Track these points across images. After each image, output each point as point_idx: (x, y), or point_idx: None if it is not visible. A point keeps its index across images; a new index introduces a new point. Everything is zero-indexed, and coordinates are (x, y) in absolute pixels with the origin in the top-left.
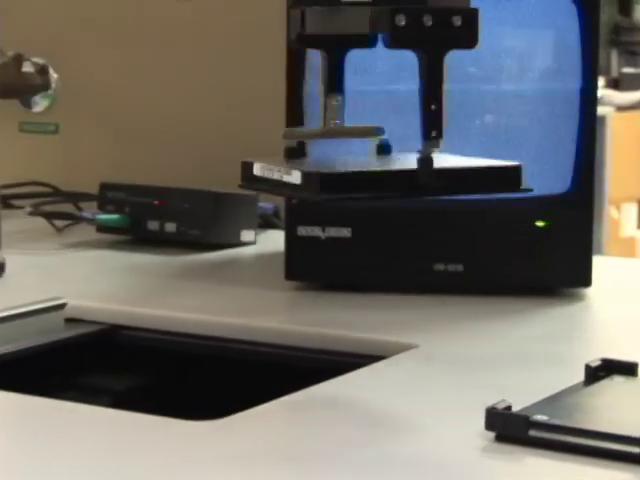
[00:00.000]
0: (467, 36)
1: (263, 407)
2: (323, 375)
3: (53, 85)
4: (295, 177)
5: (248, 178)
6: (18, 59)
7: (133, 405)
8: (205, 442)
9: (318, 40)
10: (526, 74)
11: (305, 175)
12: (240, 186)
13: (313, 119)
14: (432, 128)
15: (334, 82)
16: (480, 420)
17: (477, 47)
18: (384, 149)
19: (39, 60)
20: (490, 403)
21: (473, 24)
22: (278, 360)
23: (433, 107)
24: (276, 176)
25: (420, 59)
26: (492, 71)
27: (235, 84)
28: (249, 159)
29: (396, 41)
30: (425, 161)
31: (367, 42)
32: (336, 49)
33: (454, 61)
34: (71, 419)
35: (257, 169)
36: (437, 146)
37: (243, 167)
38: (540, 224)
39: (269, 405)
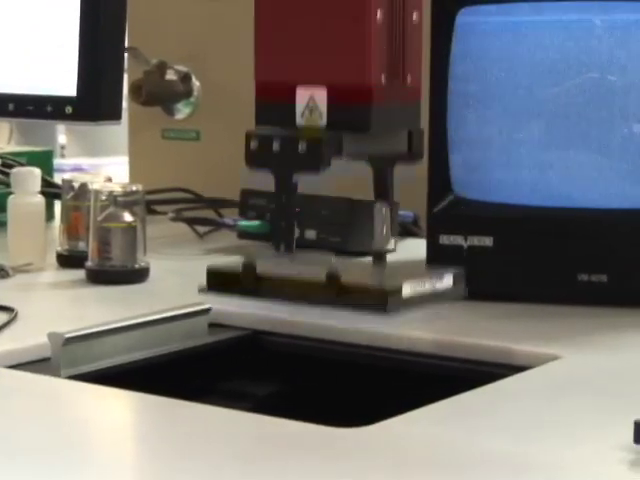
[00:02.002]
0: (311, 161)
1: (408, 415)
2: (466, 384)
3: (195, 93)
4: None
5: None
6: (162, 67)
7: (274, 410)
8: (351, 449)
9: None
10: None
11: None
12: None
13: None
14: (281, 242)
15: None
16: (628, 433)
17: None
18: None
19: (182, 68)
20: (637, 416)
21: (317, 151)
22: (418, 369)
23: (283, 224)
24: None
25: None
26: (637, 80)
27: None
28: None
29: (249, 162)
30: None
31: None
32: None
33: (600, 68)
34: (213, 423)
35: None
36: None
37: None
38: None
39: (414, 413)
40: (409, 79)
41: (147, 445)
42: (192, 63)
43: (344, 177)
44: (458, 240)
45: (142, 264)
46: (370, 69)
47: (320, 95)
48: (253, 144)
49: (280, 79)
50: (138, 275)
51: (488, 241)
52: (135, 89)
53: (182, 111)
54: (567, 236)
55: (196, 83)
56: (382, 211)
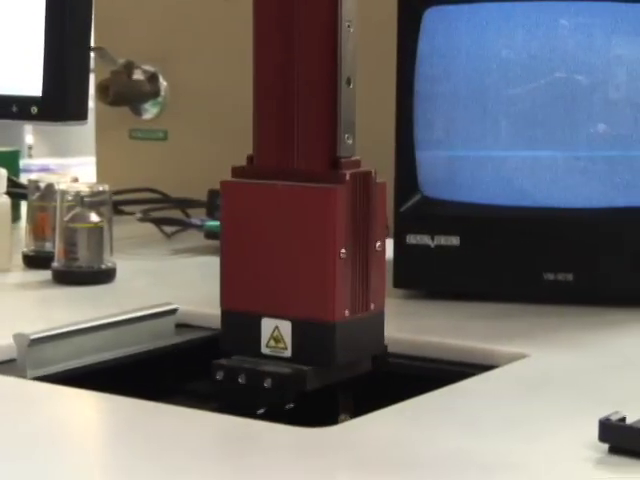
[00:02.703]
0: (277, 397)
1: (373, 415)
2: (431, 384)
3: (163, 92)
4: None
5: None
6: (129, 67)
7: (241, 411)
8: (316, 449)
9: None
10: (638, 81)
11: None
12: None
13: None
14: None
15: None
16: (593, 431)
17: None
18: None
19: (149, 68)
20: (603, 414)
21: (282, 386)
22: (386, 368)
23: None
24: None
25: None
26: (603, 80)
27: None
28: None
29: (217, 396)
30: None
31: None
32: None
33: (566, 68)
34: (180, 423)
35: None
36: None
37: None
38: None
39: (379, 413)
40: (372, 307)
41: (114, 446)
42: (159, 63)
43: None
44: (425, 239)
45: (109, 264)
46: (333, 305)
47: (285, 327)
48: (219, 375)
49: (245, 309)
50: (105, 276)
51: (455, 240)
52: (102, 89)
53: (149, 111)
54: (533, 235)
55: (163, 83)
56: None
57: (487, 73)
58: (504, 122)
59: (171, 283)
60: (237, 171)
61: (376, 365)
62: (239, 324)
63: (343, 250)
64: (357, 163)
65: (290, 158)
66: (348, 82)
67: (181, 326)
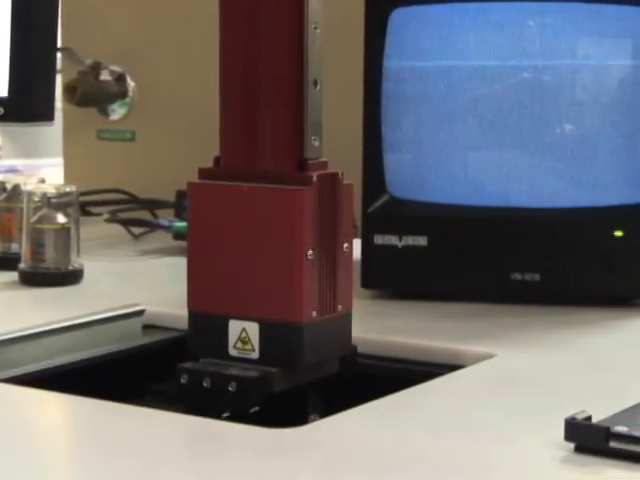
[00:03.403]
0: (241, 401)
1: (340, 415)
2: (399, 384)
3: (130, 93)
4: None
5: None
6: (96, 68)
7: (209, 412)
8: (284, 450)
9: None
10: (604, 83)
11: None
12: None
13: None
14: None
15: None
16: (559, 431)
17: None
18: None
19: (117, 68)
20: (569, 413)
21: (246, 390)
22: (354, 369)
23: None
24: None
25: None
26: (570, 80)
27: None
28: None
29: (180, 396)
30: None
31: None
32: None
33: (533, 68)
34: (147, 425)
35: None
36: None
37: None
38: (618, 234)
39: (346, 413)
40: (340, 308)
41: (81, 448)
42: (127, 63)
43: None
44: (392, 240)
45: (76, 266)
46: (301, 306)
47: (252, 329)
48: (184, 379)
49: (212, 310)
50: (72, 277)
51: (422, 240)
52: (69, 90)
53: (117, 112)
54: (501, 235)
55: (131, 83)
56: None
57: (454, 74)
58: (471, 123)
59: (138, 284)
60: (204, 172)
61: (344, 365)
62: (206, 326)
63: (310, 251)
64: (324, 165)
65: (257, 160)
66: (315, 83)
67: (148, 327)
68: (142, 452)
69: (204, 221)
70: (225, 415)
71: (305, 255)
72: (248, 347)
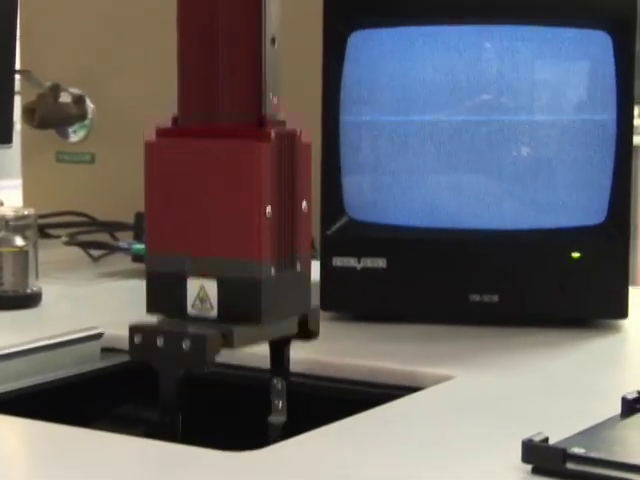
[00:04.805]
0: (195, 359)
1: (299, 438)
2: (358, 406)
3: (90, 115)
4: None
5: None
6: (55, 90)
7: (168, 434)
8: (240, 473)
9: None
10: (561, 105)
11: None
12: None
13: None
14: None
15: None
16: (517, 452)
17: (516, 78)
18: None
19: (76, 91)
20: (527, 435)
21: (201, 349)
22: (312, 391)
23: (167, 419)
24: None
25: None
26: (527, 102)
27: None
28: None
29: (133, 355)
30: None
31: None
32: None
33: (490, 91)
34: (105, 448)
35: None
36: None
37: None
38: (576, 255)
39: (306, 436)
40: (298, 267)
41: (37, 472)
42: (86, 85)
43: None
44: (351, 262)
45: (34, 289)
46: (259, 262)
47: (211, 286)
48: (137, 339)
49: (170, 271)
50: (30, 300)
51: (381, 262)
52: (28, 112)
53: (76, 134)
54: (459, 257)
55: (90, 106)
56: (279, 386)
57: (412, 96)
58: (429, 145)
59: (97, 307)
60: (161, 132)
61: (305, 324)
62: (164, 286)
63: (268, 208)
64: (282, 123)
65: (215, 116)
66: (273, 41)
67: (107, 350)
68: (101, 476)
69: (161, 179)
70: (180, 374)
71: (263, 211)
72: (207, 306)
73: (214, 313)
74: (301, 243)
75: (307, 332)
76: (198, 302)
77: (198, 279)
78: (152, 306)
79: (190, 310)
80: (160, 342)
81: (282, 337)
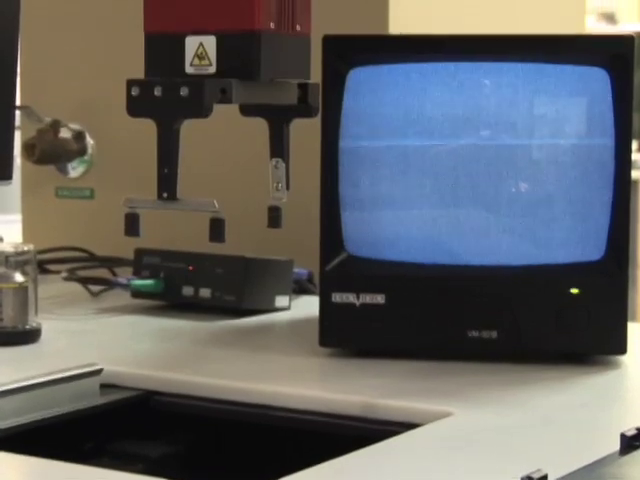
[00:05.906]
0: (194, 105)
1: (296, 476)
2: (358, 443)
3: (89, 151)
4: None
5: None
6: (55, 125)
7: (167, 472)
8: None
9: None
10: (560, 141)
11: None
12: None
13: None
14: (163, 190)
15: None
16: None
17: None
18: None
19: (76, 126)
20: (526, 472)
21: (199, 94)
22: (312, 427)
23: (166, 171)
24: None
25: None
26: (526, 138)
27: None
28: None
29: (130, 110)
30: None
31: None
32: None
33: (489, 126)
34: None
35: None
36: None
37: None
38: (574, 291)
39: (302, 474)
40: (298, 28)
41: None
42: (86, 121)
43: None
44: (350, 298)
45: (33, 325)
46: (259, 15)
47: (209, 42)
48: (134, 91)
49: (168, 29)
50: (29, 336)
51: (380, 298)
52: (28, 148)
53: (76, 169)
54: (458, 293)
55: (90, 141)
56: (277, 166)
57: (411, 132)
58: (428, 181)
59: (97, 343)
60: None
61: (305, 97)
62: (163, 47)
63: None
64: None
65: None
66: None
67: (106, 386)
68: None
69: None
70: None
71: None
72: (205, 62)
73: (212, 69)
74: (301, 6)
75: (307, 108)
76: (196, 59)
77: (197, 36)
78: (151, 69)
79: (188, 68)
80: (158, 91)
81: (282, 106)
